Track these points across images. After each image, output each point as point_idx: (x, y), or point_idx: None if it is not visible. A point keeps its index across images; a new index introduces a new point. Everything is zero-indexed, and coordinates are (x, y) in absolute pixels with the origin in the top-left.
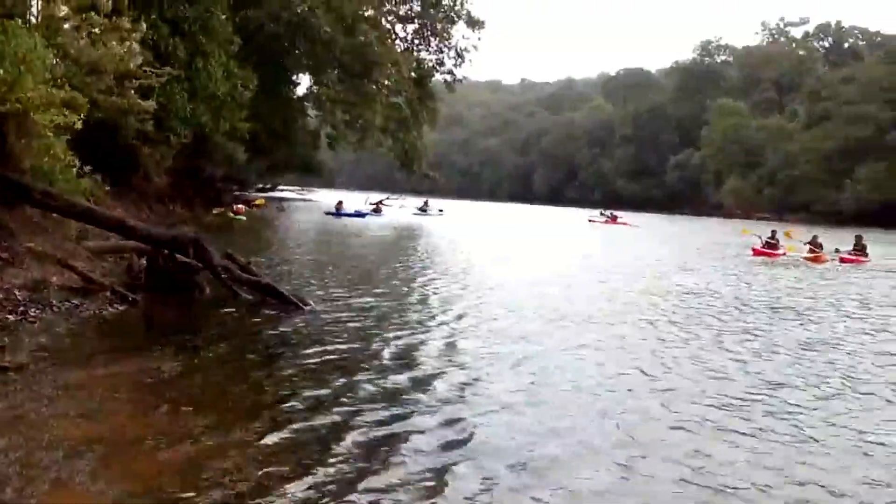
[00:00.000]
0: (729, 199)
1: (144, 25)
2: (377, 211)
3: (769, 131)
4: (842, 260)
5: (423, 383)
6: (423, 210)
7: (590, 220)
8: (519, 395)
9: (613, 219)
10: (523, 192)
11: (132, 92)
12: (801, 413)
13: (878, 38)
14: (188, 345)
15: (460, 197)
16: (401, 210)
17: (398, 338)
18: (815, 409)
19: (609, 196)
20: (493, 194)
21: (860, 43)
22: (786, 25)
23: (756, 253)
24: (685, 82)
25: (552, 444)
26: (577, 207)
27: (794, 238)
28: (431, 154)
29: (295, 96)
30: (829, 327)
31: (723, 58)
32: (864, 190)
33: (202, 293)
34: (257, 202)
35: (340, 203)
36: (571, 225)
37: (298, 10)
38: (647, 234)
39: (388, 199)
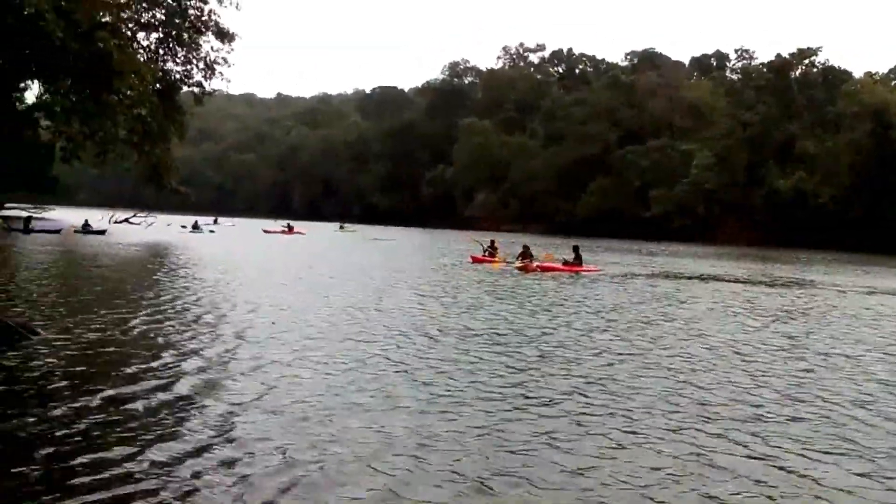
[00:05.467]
0: (478, 211)
1: None
2: (86, 228)
3: (512, 149)
4: (540, 268)
5: (154, 409)
6: (196, 227)
7: (264, 231)
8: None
9: (290, 230)
10: (281, 207)
11: None
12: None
13: (604, 66)
14: None
15: (216, 213)
16: (150, 228)
17: (128, 363)
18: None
19: (367, 210)
20: (251, 210)
21: (588, 69)
22: (524, 51)
23: (474, 260)
24: (435, 101)
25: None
26: (331, 223)
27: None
28: (183, 169)
29: (23, 105)
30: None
31: (469, 79)
32: (594, 202)
33: None
34: None
35: (30, 220)
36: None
37: (25, 13)
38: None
39: (134, 216)
